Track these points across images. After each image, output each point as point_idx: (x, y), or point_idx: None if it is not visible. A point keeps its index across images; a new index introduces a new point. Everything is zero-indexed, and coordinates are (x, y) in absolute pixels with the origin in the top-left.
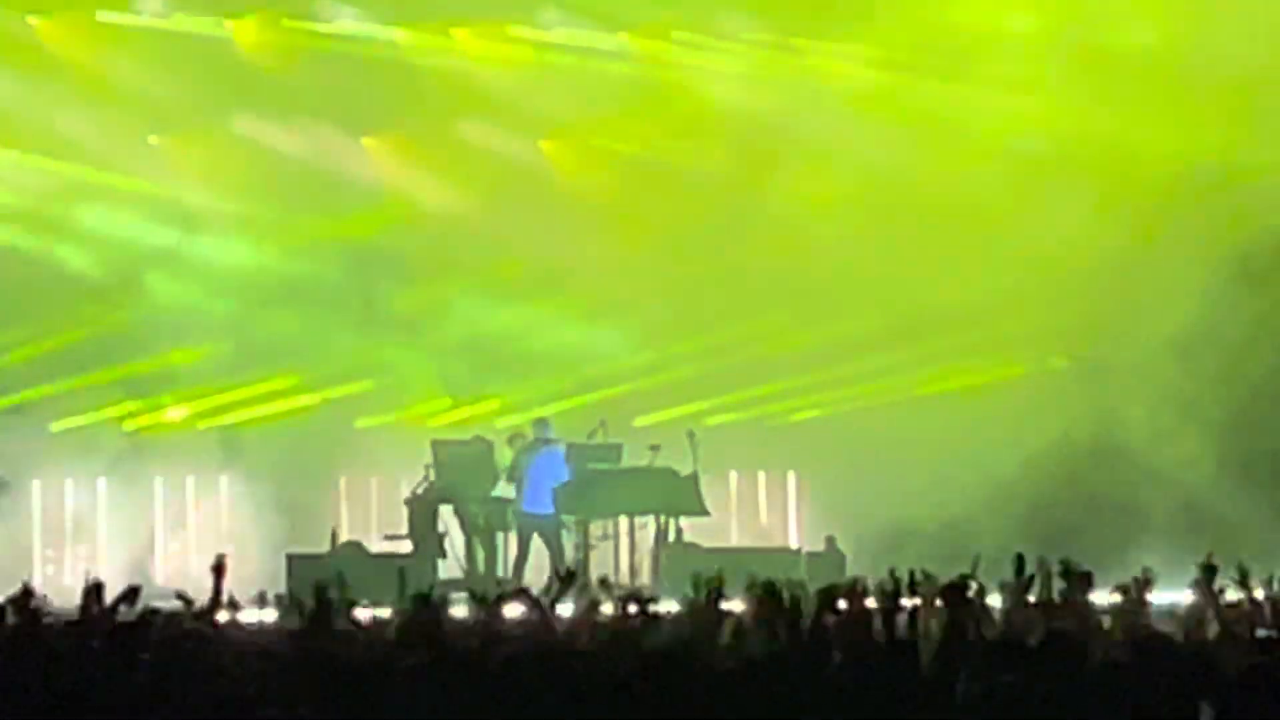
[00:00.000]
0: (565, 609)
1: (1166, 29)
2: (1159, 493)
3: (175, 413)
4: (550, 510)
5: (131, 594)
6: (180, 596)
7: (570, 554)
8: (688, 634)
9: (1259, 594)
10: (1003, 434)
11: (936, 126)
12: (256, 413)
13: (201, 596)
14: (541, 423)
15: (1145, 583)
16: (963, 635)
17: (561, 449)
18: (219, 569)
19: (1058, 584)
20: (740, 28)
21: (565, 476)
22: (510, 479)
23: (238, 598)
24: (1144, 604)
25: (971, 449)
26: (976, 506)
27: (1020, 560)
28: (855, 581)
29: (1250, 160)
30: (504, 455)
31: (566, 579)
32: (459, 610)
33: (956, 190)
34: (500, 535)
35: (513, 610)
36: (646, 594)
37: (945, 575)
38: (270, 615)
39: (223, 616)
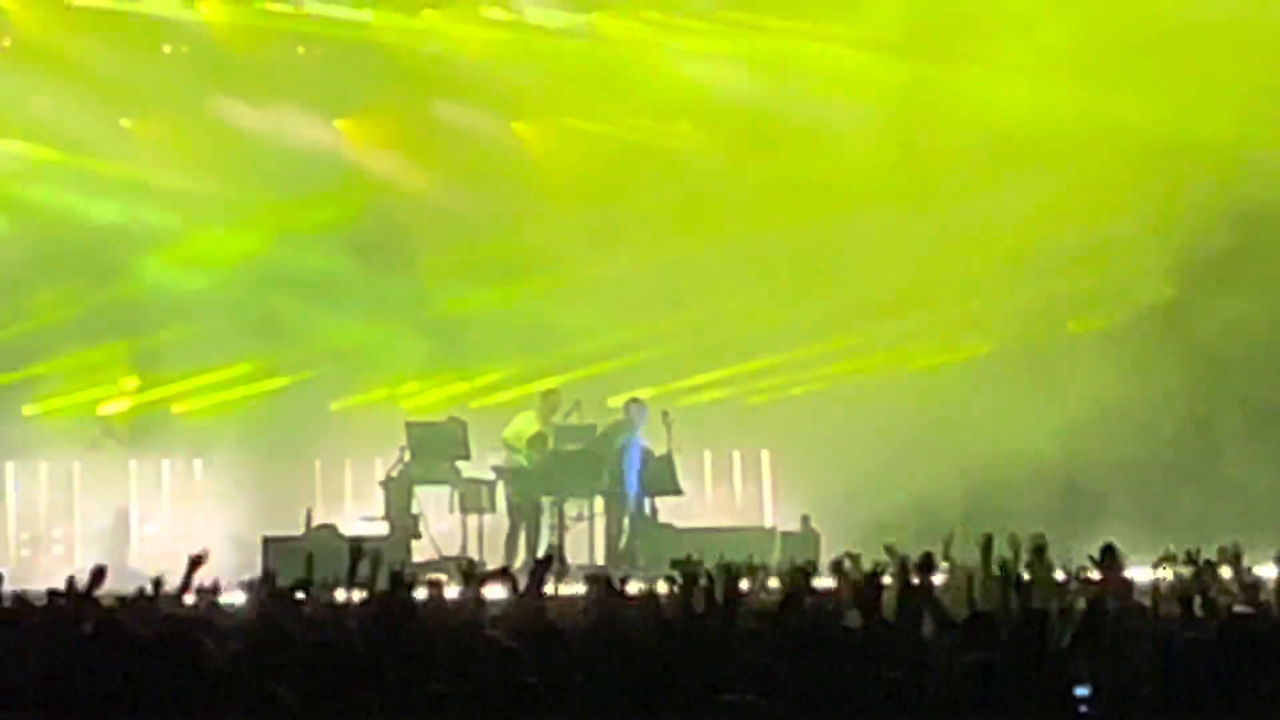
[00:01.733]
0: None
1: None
2: (1122, 478)
3: (135, 392)
4: (635, 491)
5: (99, 575)
6: (155, 582)
7: (545, 535)
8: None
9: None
10: (979, 412)
11: (913, 104)
12: (230, 395)
13: (177, 580)
14: (630, 405)
15: (1235, 557)
16: (928, 613)
17: (639, 434)
18: (196, 561)
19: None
20: (712, 6)
21: (637, 460)
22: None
23: (215, 580)
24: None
25: (947, 427)
26: (950, 484)
27: (988, 540)
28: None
29: (1246, 135)
30: (520, 430)
31: (546, 561)
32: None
33: (933, 168)
34: (478, 517)
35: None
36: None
37: (917, 553)
38: (241, 598)
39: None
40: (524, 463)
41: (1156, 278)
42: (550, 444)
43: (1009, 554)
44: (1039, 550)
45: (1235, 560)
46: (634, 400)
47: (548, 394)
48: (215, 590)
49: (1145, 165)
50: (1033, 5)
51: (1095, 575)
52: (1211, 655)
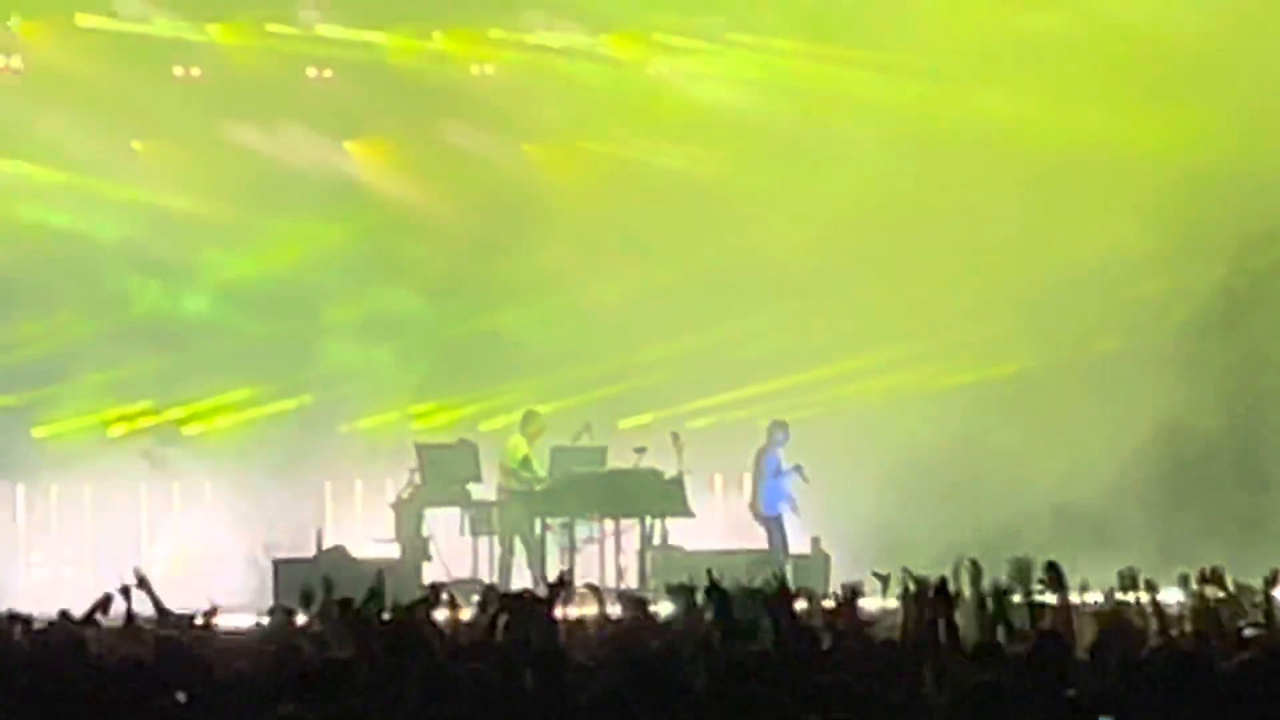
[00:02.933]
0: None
1: (1178, 32)
2: (1136, 502)
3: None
4: (776, 512)
5: (105, 603)
6: (158, 608)
7: (556, 557)
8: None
9: None
10: (992, 435)
11: (926, 126)
12: (241, 417)
13: (188, 603)
14: (773, 427)
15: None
16: (944, 637)
17: (782, 453)
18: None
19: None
20: (722, 29)
21: (782, 480)
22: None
23: (225, 603)
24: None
25: (959, 450)
26: (961, 507)
27: (975, 565)
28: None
29: (1268, 160)
30: (513, 452)
31: (558, 584)
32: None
33: (947, 190)
34: (488, 539)
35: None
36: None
37: (930, 576)
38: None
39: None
40: (518, 486)
41: (1184, 300)
42: (537, 466)
43: (1019, 579)
44: (1055, 573)
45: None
46: (774, 421)
47: (528, 416)
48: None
49: (1173, 188)
50: (1049, 31)
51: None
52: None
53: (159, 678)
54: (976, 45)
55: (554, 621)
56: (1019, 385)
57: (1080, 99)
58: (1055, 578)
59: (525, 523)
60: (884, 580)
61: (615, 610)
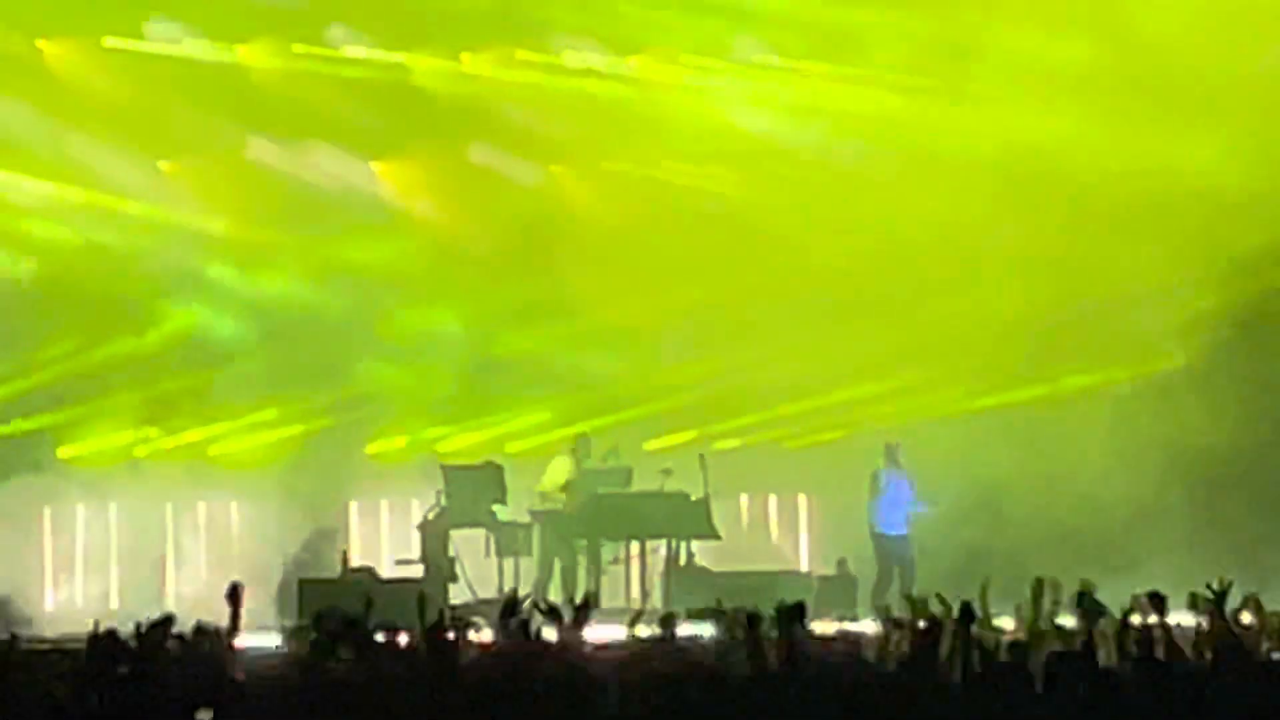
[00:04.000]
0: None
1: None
2: (1168, 522)
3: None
4: (904, 532)
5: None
6: (199, 626)
7: (581, 577)
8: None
9: None
10: (1014, 457)
11: (945, 151)
12: (267, 438)
13: (217, 622)
14: (892, 448)
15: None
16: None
17: (906, 475)
18: (234, 595)
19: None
20: (749, 52)
21: (911, 501)
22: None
23: (250, 623)
24: None
25: (984, 472)
26: (988, 530)
27: (1039, 584)
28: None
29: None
30: (555, 475)
31: (585, 605)
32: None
33: (965, 215)
34: (514, 560)
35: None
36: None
37: (956, 599)
38: (275, 640)
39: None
40: (559, 508)
41: (1213, 321)
42: (580, 489)
43: (1049, 602)
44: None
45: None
46: (891, 445)
47: (579, 440)
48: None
49: (1196, 211)
50: (1077, 55)
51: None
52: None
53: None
54: (1003, 69)
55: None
56: (1043, 409)
57: (1106, 123)
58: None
59: (560, 544)
60: (911, 602)
61: (641, 631)
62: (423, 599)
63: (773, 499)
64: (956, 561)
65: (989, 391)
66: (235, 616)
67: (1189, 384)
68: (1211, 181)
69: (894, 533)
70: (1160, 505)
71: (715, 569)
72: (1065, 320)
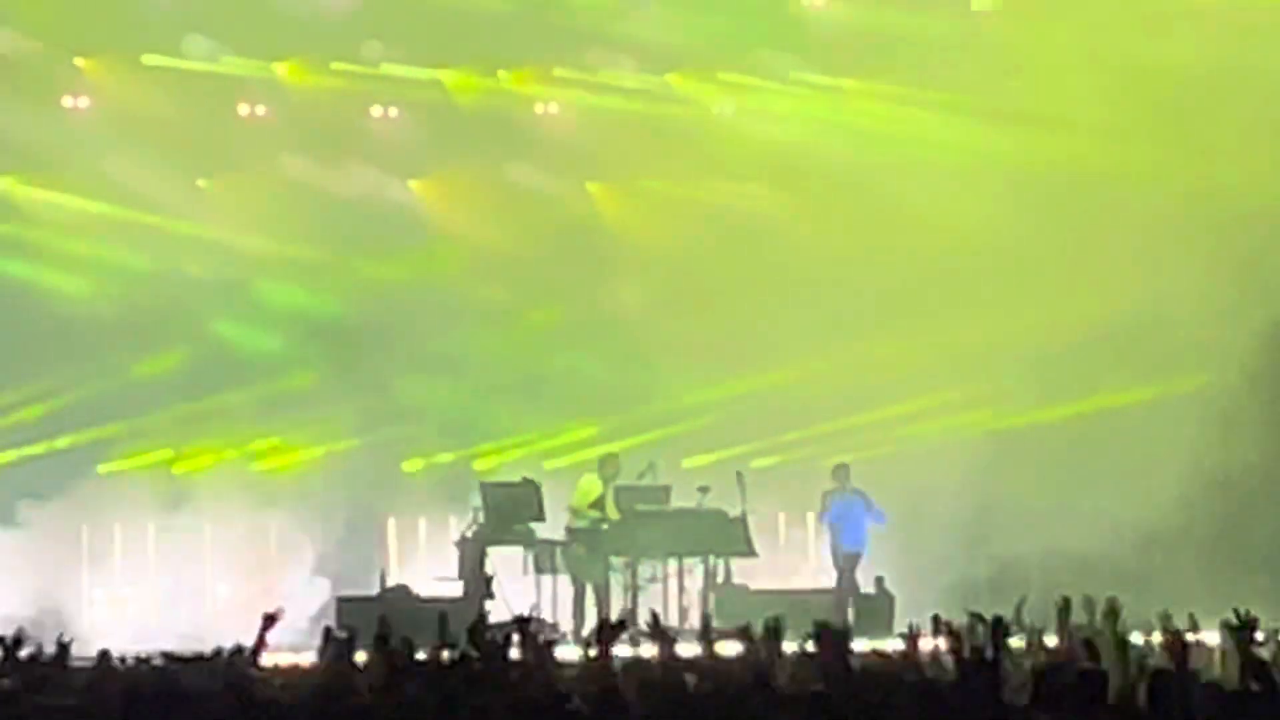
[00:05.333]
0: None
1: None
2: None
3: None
4: (862, 549)
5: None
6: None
7: (619, 596)
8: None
9: None
10: (1057, 475)
11: (988, 167)
12: (306, 454)
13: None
14: (840, 469)
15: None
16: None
17: (858, 494)
18: (270, 620)
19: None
20: (787, 68)
21: (867, 518)
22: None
23: (287, 641)
24: None
25: (1020, 491)
26: (1024, 548)
27: (1066, 602)
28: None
29: None
30: (586, 492)
31: (617, 625)
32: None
33: (1004, 234)
34: (551, 578)
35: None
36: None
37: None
38: (310, 658)
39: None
40: (588, 525)
41: (1247, 341)
42: (611, 507)
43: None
44: (1112, 614)
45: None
46: (840, 465)
47: (606, 459)
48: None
49: (1230, 233)
50: (1116, 72)
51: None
52: None
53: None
54: (1042, 86)
55: (609, 658)
56: (1081, 427)
57: (1145, 140)
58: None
59: (594, 563)
60: (936, 622)
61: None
62: (444, 617)
63: (810, 517)
64: (999, 578)
65: (1028, 410)
66: (261, 639)
67: (1225, 402)
68: (1253, 202)
69: (854, 550)
70: (1200, 525)
71: (753, 587)
72: (1104, 338)
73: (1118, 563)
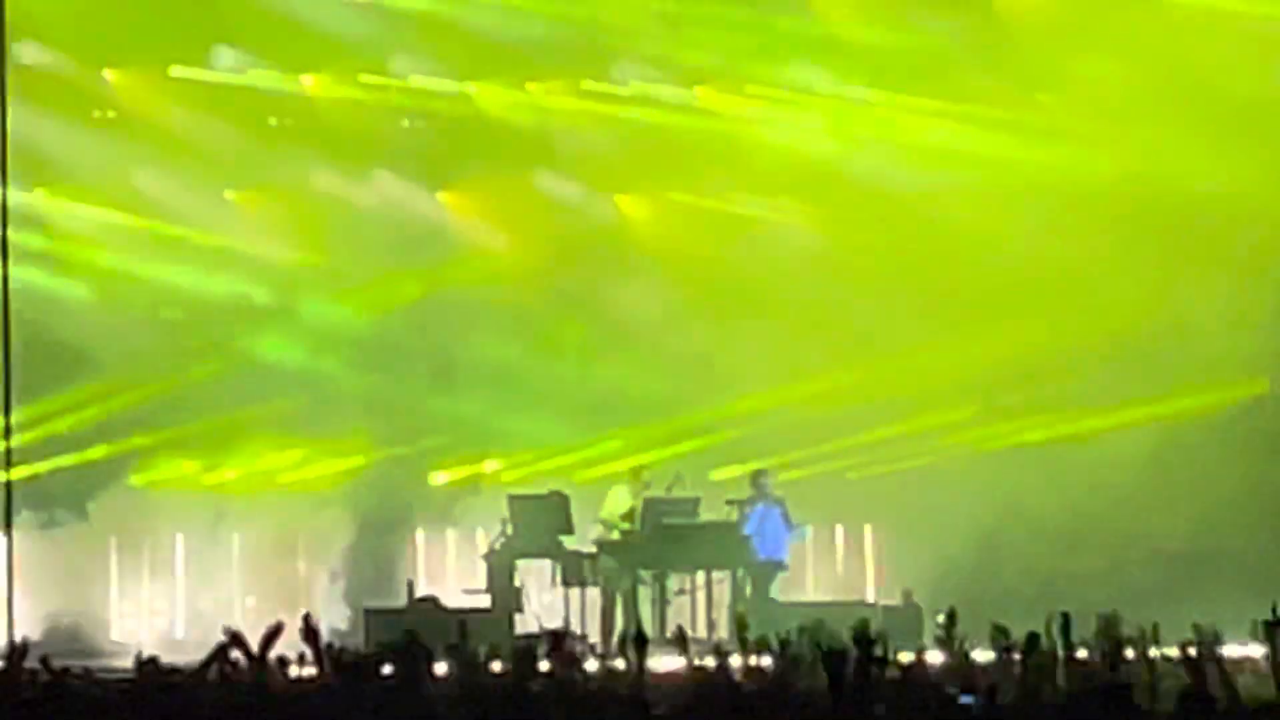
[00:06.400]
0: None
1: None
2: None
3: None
4: (784, 557)
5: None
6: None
7: (647, 609)
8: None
9: None
10: (1084, 490)
11: (1018, 180)
12: (334, 467)
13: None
14: (759, 477)
15: None
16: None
17: (777, 503)
18: (272, 635)
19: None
20: (815, 81)
21: (786, 529)
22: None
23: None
24: None
25: (1048, 502)
26: (1054, 560)
27: (1065, 618)
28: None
29: None
30: (616, 505)
31: (639, 637)
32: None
33: (1038, 245)
34: (580, 590)
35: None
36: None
37: (1022, 630)
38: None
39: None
40: (618, 538)
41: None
42: (640, 519)
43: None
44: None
45: None
46: (758, 472)
47: (636, 470)
48: (282, 661)
49: (1264, 241)
50: (1133, 81)
51: None
52: None
53: None
54: (1074, 98)
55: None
56: (1117, 439)
57: (1182, 152)
58: None
59: (623, 575)
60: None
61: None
62: (463, 627)
63: (839, 529)
64: (1030, 591)
65: (1063, 422)
66: (265, 649)
67: (1257, 416)
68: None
69: (777, 558)
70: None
71: (782, 600)
72: (1139, 349)
73: (1151, 581)
